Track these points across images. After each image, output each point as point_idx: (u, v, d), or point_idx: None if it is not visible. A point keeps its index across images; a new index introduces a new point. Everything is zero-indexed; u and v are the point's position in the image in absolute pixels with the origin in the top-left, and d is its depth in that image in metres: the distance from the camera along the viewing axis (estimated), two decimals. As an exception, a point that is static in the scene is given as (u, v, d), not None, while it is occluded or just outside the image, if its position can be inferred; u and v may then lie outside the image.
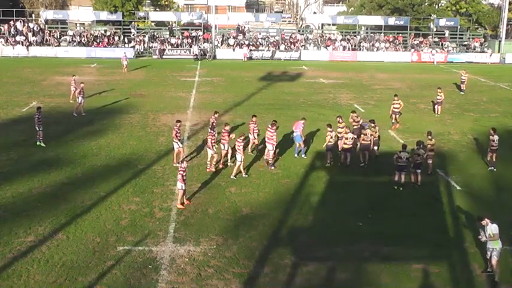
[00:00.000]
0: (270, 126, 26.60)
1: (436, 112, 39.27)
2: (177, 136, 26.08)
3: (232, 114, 37.33)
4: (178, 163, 25.65)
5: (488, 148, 27.62)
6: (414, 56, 74.81)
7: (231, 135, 26.12)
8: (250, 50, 72.64)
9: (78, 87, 37.04)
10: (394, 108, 34.84)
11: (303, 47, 75.60)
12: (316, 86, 51.13)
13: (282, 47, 74.99)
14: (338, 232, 19.82)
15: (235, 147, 25.27)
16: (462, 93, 48.05)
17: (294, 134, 27.76)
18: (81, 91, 36.53)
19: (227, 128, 26.25)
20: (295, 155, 27.76)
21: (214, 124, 27.64)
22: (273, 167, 26.33)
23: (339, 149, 27.16)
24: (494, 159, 27.22)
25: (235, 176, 24.91)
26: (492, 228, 16.89)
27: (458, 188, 24.46)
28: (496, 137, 26.92)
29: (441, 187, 24.68)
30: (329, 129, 26.83)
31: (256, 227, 19.92)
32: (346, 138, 26.72)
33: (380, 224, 20.53)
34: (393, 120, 34.89)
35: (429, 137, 26.46)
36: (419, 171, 24.55)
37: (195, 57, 69.97)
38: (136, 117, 36.17)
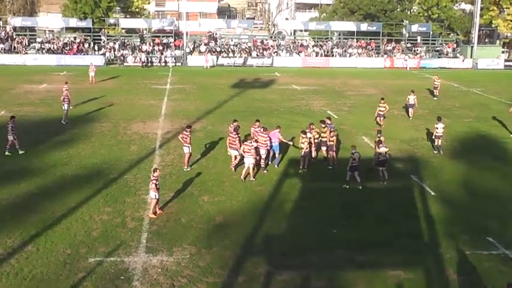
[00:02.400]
0: (262, 130, 27.07)
1: (410, 115, 40.20)
2: (185, 141, 26.82)
3: (205, 121, 37.28)
4: (190, 166, 26.87)
5: (433, 135, 31.60)
6: (387, 61, 75.53)
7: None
8: (218, 56, 72.78)
9: (62, 95, 37.27)
10: (379, 111, 36.07)
11: (275, 53, 75.90)
12: (289, 92, 51.32)
13: (254, 53, 75.21)
14: (312, 240, 19.84)
15: (245, 151, 25.71)
16: (435, 98, 48.59)
17: (274, 143, 27.58)
18: (66, 98, 36.74)
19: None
20: (276, 165, 27.70)
21: (237, 128, 27.72)
22: (265, 171, 26.84)
23: (312, 156, 27.72)
24: (439, 144, 31.01)
25: (254, 178, 25.65)
26: None
27: (432, 193, 24.64)
28: (440, 125, 30.89)
29: (415, 192, 24.85)
30: (303, 135, 27.02)
31: (229, 236, 19.86)
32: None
33: (354, 231, 20.58)
34: (380, 123, 35.89)
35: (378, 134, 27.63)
36: (356, 172, 25.09)
37: (143, 64, 69.87)
38: (107, 125, 35.91)
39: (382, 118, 36.01)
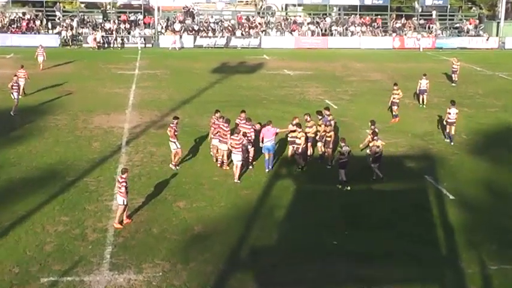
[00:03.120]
0: (245, 122, 27.41)
1: (422, 103, 40.52)
2: (175, 135, 26.85)
3: (180, 113, 37.12)
4: (178, 165, 26.98)
5: (444, 121, 32.35)
6: (396, 41, 75.70)
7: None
8: (196, 36, 72.76)
9: (12, 81, 37.27)
10: (393, 99, 36.36)
11: (264, 32, 75.84)
12: (280, 78, 51.36)
13: (239, 32, 75.11)
14: (308, 251, 19.83)
15: (232, 146, 25.89)
16: (454, 84, 48.76)
17: (268, 143, 27.26)
18: (15, 85, 36.83)
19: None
20: (267, 169, 27.42)
21: (228, 120, 27.88)
22: (251, 166, 27.30)
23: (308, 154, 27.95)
24: (452, 132, 31.86)
25: (239, 180, 25.79)
26: None
27: (450, 196, 24.75)
28: (453, 110, 31.73)
29: (430, 195, 24.93)
30: (298, 129, 27.09)
31: (210, 248, 19.84)
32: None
33: (357, 240, 20.61)
34: (394, 113, 36.18)
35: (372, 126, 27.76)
36: (343, 171, 25.35)
37: (98, 45, 69.59)
38: (64, 118, 35.78)
39: (396, 107, 36.21)
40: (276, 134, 27.59)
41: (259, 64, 59.16)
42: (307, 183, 25.97)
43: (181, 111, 37.77)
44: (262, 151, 27.43)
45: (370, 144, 26.63)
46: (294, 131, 27.41)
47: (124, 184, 21.17)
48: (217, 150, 27.76)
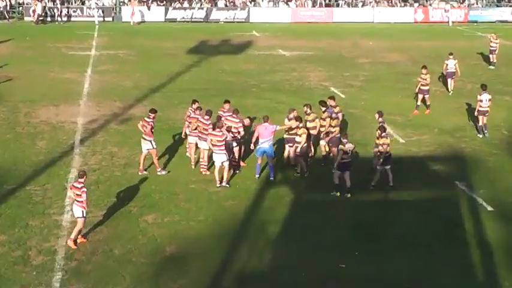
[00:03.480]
0: (235, 116, 27.62)
1: (450, 88, 40.92)
2: (152, 133, 26.88)
3: (149, 104, 37.09)
4: (146, 170, 27.16)
5: (476, 110, 32.60)
6: (419, 13, 75.93)
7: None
8: (168, 7, 72.74)
9: None
10: (421, 85, 36.41)
11: (253, 2, 75.88)
12: (273, 60, 51.56)
13: (221, 3, 75.11)
14: (309, 278, 19.82)
15: (213, 144, 25.95)
16: (492, 67, 48.97)
17: (266, 144, 26.94)
18: None
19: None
20: (257, 175, 27.45)
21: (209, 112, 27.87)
22: (238, 171, 27.46)
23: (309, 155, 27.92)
24: (485, 123, 32.35)
25: (228, 183, 26.11)
26: None
27: (488, 207, 24.76)
28: (485, 96, 32.13)
29: (463, 207, 24.94)
30: (299, 124, 27.01)
31: (187, 274, 19.82)
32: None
33: (372, 264, 20.59)
34: (418, 103, 36.34)
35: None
36: (348, 173, 25.44)
37: (37, 20, 69.40)
38: (1, 111, 35.81)
39: (428, 95, 36.35)
40: (275, 131, 27.43)
41: (247, 43, 59.38)
42: (308, 192, 25.99)
43: (150, 102, 37.73)
44: (256, 154, 27.27)
45: (378, 142, 26.57)
46: (294, 128, 27.20)
47: (84, 190, 21.11)
48: (197, 150, 27.82)
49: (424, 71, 36.69)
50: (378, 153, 26.50)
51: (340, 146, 25.43)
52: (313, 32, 66.10)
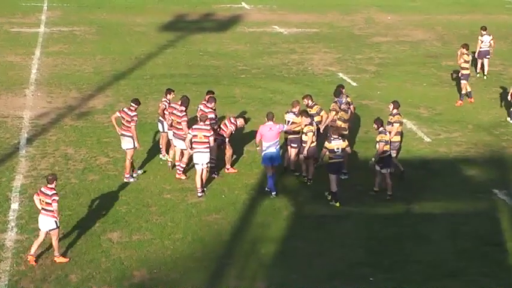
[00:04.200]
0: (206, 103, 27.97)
1: (484, 73, 40.95)
2: (124, 126, 27.00)
3: (113, 95, 37.17)
4: (133, 176, 27.40)
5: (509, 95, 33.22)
6: (449, -20, 76.14)
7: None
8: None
9: None
10: (463, 68, 36.31)
11: (242, -33, 76.15)
12: (268, 40, 51.65)
13: (204, -33, 75.36)
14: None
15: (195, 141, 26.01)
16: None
17: (273, 149, 26.76)
18: None
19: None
20: (274, 193, 26.86)
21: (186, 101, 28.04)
22: (215, 175, 27.69)
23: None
24: None
25: (202, 191, 26.39)
26: None
27: (534, 222, 24.88)
28: None
29: (503, 221, 24.99)
30: (306, 119, 26.98)
31: (160, 307, 19.90)
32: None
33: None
34: (463, 91, 36.28)
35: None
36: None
37: None
38: None
39: (465, 81, 36.24)
40: (281, 132, 27.44)
41: (235, 17, 59.43)
42: (310, 204, 26.07)
43: (114, 91, 37.79)
44: (263, 163, 27.02)
45: (376, 139, 26.58)
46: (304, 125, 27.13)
47: (55, 199, 21.17)
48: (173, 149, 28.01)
49: (465, 50, 36.45)
50: (377, 153, 26.55)
51: (325, 143, 25.56)
52: (318, 4, 66.03)
